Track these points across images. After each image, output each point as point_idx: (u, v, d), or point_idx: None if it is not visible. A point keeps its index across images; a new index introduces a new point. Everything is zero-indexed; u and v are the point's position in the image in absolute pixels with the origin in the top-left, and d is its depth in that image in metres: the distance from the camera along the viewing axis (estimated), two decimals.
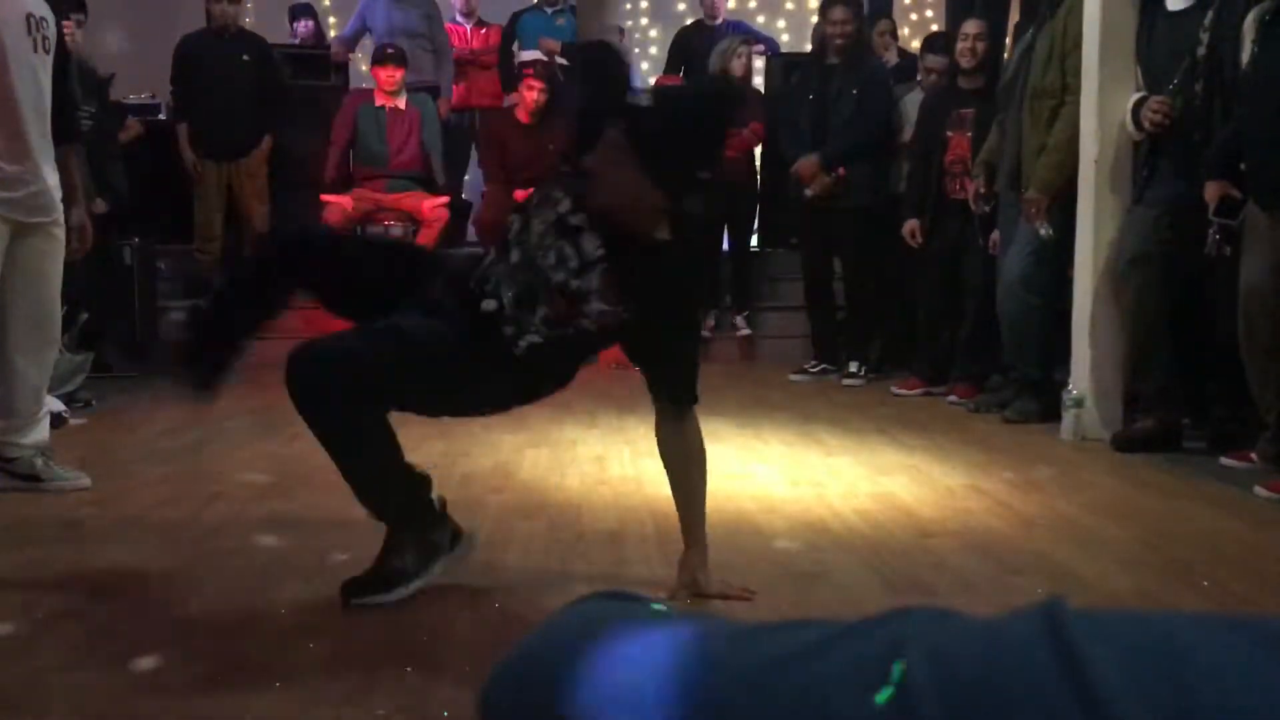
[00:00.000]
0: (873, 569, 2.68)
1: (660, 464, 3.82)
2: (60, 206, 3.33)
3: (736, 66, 6.77)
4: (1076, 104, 4.39)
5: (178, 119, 6.74)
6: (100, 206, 5.46)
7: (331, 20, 8.66)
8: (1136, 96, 4.10)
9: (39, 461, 3.42)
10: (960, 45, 5.33)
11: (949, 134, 5.36)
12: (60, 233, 3.34)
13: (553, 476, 3.67)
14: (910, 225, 5.51)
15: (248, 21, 7.11)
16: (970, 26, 5.36)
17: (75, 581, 2.57)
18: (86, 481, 3.47)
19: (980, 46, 5.26)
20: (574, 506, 3.27)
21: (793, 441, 4.30)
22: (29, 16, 3.13)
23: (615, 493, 3.48)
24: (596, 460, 3.95)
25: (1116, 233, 4.24)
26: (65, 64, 3.45)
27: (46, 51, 3.21)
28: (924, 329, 5.65)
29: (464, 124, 7.63)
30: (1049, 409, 4.56)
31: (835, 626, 0.57)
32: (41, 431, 3.43)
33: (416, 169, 6.70)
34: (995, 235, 5.02)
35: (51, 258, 3.31)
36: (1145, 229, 4.10)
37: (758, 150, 7.16)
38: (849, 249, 5.98)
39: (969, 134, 5.27)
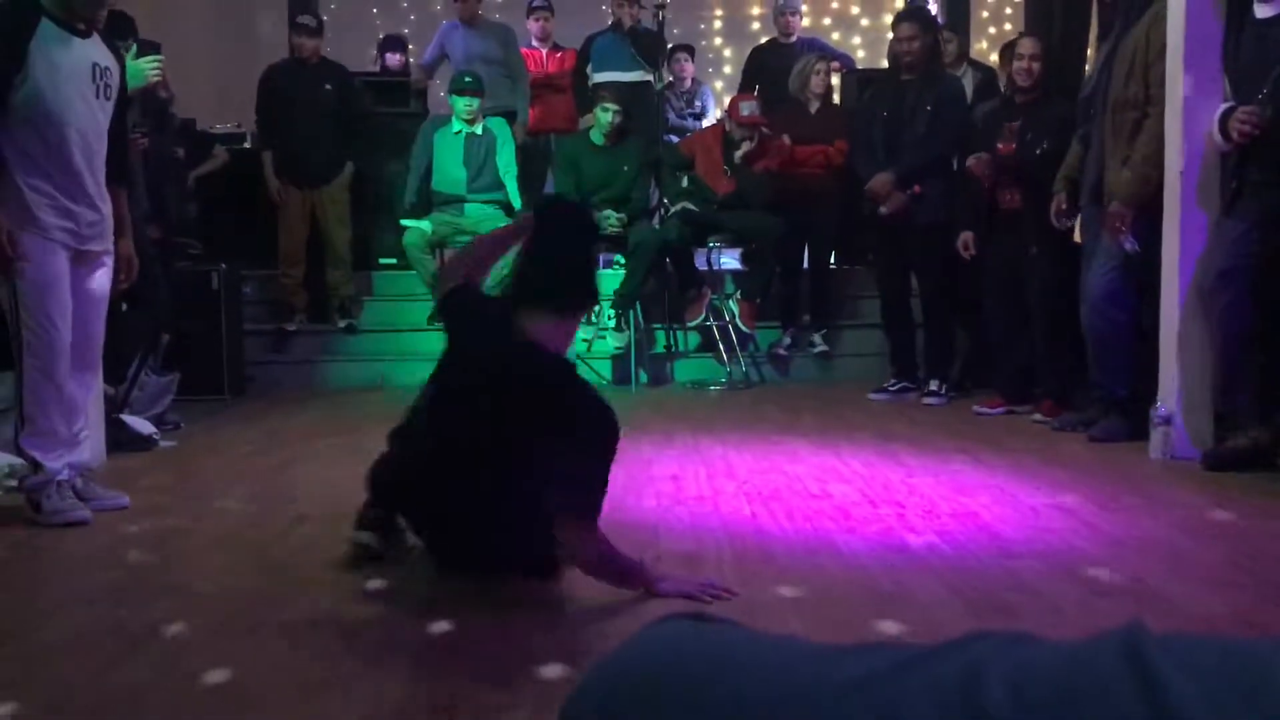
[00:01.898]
0: (955, 590, 2.64)
1: (733, 483, 3.81)
2: (112, 237, 3.57)
3: (815, 84, 6.75)
4: (1160, 115, 4.30)
5: (263, 147, 6.92)
6: (154, 232, 5.47)
7: (410, 48, 8.82)
8: (1224, 107, 4.00)
9: (78, 483, 3.52)
10: (1016, 65, 5.31)
11: (999, 145, 5.32)
12: (110, 261, 3.57)
13: (629, 496, 3.68)
14: (965, 237, 5.49)
15: (328, 51, 7.28)
16: (1025, 46, 5.33)
17: (164, 600, 2.63)
18: (125, 500, 3.58)
19: (1035, 66, 5.22)
20: (650, 527, 3.28)
21: (872, 461, 4.25)
22: (94, 65, 3.42)
23: (691, 513, 3.48)
24: (672, 480, 3.95)
25: (1204, 247, 4.14)
26: (127, 109, 3.77)
27: (108, 99, 3.49)
28: (999, 345, 5.57)
29: (540, 147, 7.72)
30: (1136, 427, 4.46)
31: (913, 650, 0.57)
32: (81, 454, 3.53)
33: (494, 193, 6.79)
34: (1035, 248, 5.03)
35: (100, 285, 3.54)
36: (1234, 242, 4.00)
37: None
38: (925, 266, 5.92)
39: (1014, 145, 5.23)
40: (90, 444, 3.63)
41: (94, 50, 3.43)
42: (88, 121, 3.39)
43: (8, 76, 3.24)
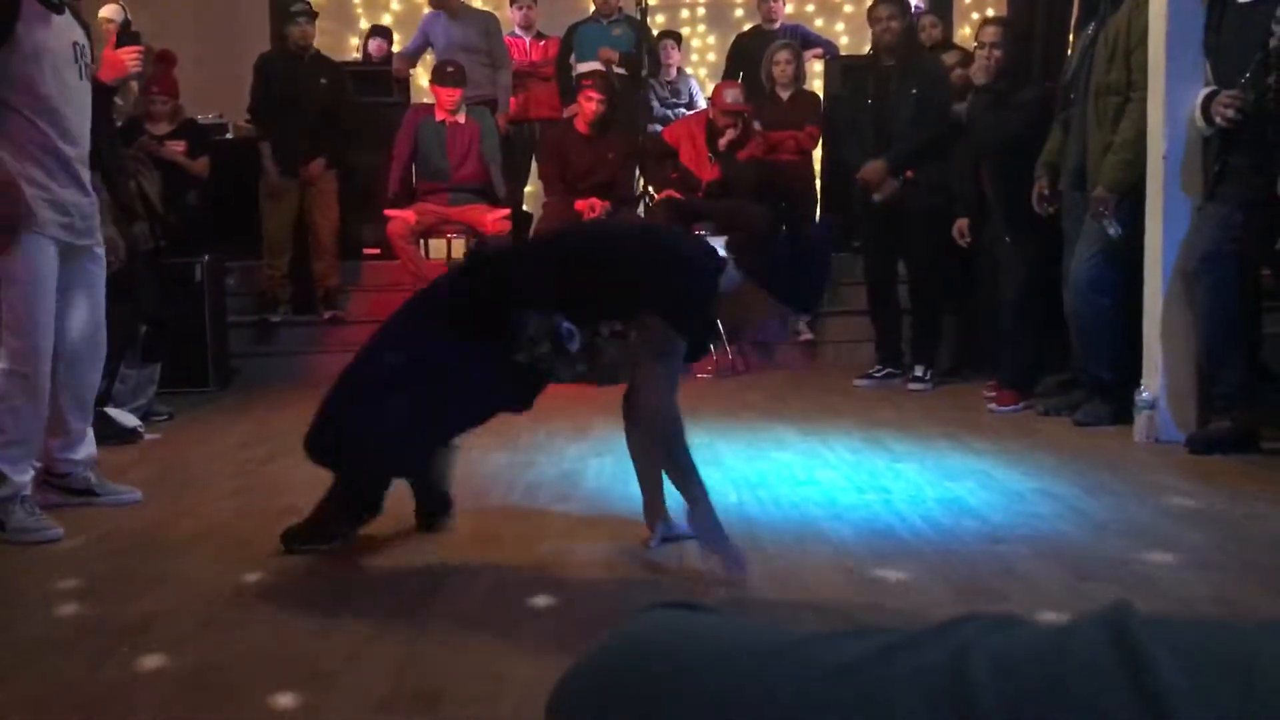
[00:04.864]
0: (941, 576, 2.65)
1: (720, 471, 3.82)
2: (99, 227, 3.44)
3: (778, 73, 6.77)
4: (1143, 100, 4.31)
5: (260, 137, 6.85)
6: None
7: (395, 37, 8.78)
8: (1206, 91, 4.02)
9: (91, 476, 3.51)
10: (978, 53, 5.31)
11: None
12: (102, 251, 3.44)
13: (617, 486, 3.68)
14: (960, 224, 5.50)
15: (316, 41, 7.23)
16: (987, 34, 5.31)
17: (150, 593, 2.62)
18: (138, 495, 3.56)
19: (997, 54, 5.21)
20: (638, 515, 3.27)
21: (858, 447, 4.26)
22: (75, 45, 3.23)
23: (679, 500, 3.47)
24: None
25: (1188, 230, 4.16)
26: (103, 90, 3.56)
27: (87, 79, 3.31)
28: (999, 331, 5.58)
29: (524, 135, 7.69)
30: (1121, 411, 4.48)
31: (898, 635, 0.57)
32: (90, 446, 3.52)
33: (478, 182, 6.77)
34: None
35: (96, 276, 3.41)
36: (1218, 226, 4.02)
37: (816, 154, 7.15)
38: (915, 252, 5.92)
39: None
40: (90, 439, 3.56)
41: (70, 27, 3.24)
42: (76, 104, 3.23)
43: None
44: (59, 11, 3.20)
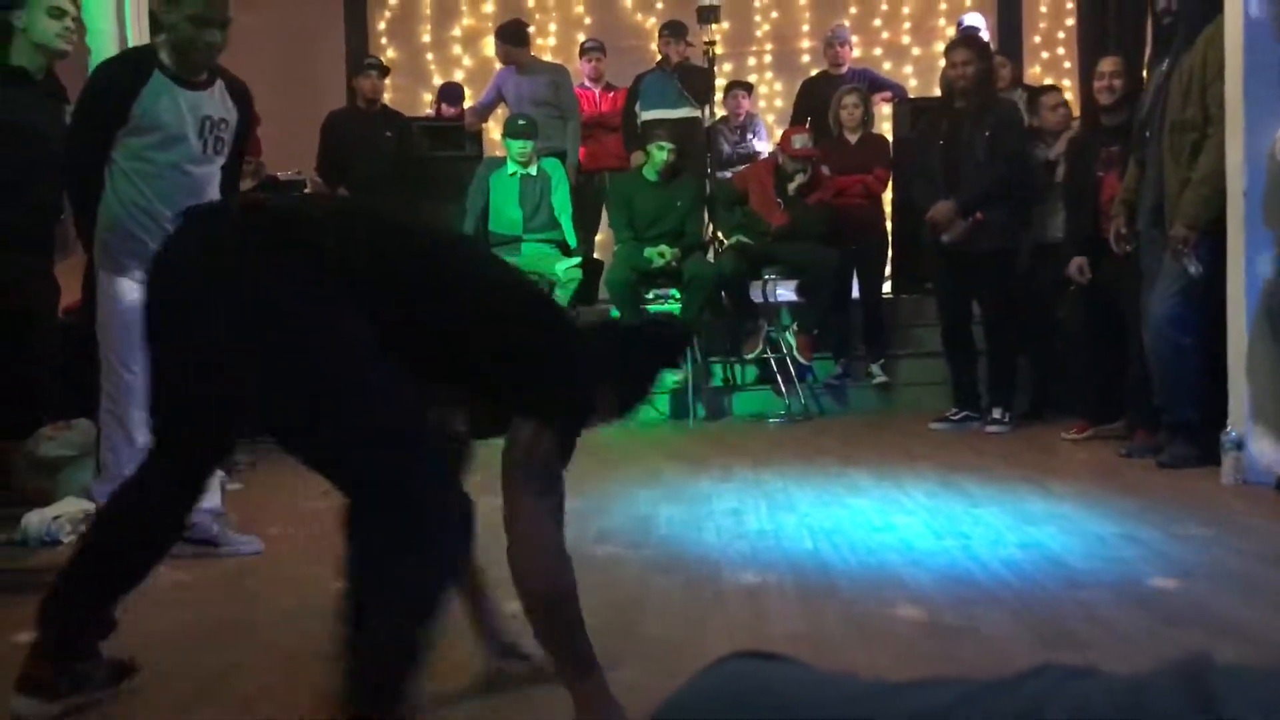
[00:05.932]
0: (1022, 622, 2.60)
1: (794, 517, 3.79)
2: None
3: (845, 117, 6.81)
4: (1220, 136, 4.24)
5: (329, 191, 7.03)
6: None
7: (466, 92, 8.95)
8: None
9: (215, 526, 3.59)
10: (1097, 84, 5.31)
11: (1100, 174, 5.27)
12: None
13: (690, 532, 3.68)
14: (1078, 261, 5.32)
15: (387, 96, 7.41)
16: (1106, 64, 5.35)
17: (232, 644, 2.67)
18: (259, 545, 3.60)
19: (1117, 83, 5.23)
20: (712, 562, 3.27)
21: (935, 492, 4.21)
22: (205, 119, 3.38)
23: (753, 547, 3.46)
24: (733, 514, 3.94)
25: (1271, 266, 4.07)
26: (237, 163, 3.67)
27: (218, 153, 3.45)
28: (1088, 371, 5.46)
29: (594, 185, 7.78)
30: (1207, 452, 4.37)
31: (976, 684, 0.56)
32: (213, 498, 3.60)
33: (550, 232, 6.86)
34: None
35: None
36: None
37: (886, 196, 7.13)
38: (988, 293, 5.87)
39: (1118, 171, 5.18)
40: (215, 489, 3.64)
41: (206, 102, 3.38)
42: (188, 175, 3.37)
43: (109, 130, 3.29)
44: (199, 87, 3.36)
